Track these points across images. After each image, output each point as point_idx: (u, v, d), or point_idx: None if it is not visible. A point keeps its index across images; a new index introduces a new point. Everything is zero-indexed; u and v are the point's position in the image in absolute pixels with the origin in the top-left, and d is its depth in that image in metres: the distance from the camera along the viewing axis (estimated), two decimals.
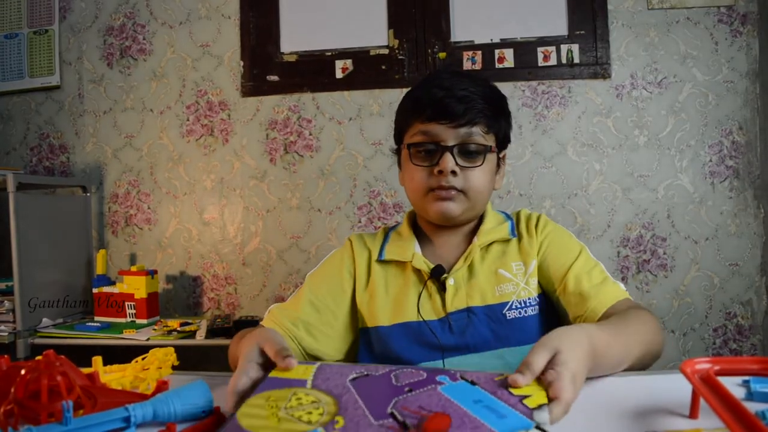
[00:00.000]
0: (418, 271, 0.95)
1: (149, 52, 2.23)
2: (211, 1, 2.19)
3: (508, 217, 1.03)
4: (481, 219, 1.01)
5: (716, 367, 0.56)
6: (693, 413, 0.55)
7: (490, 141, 0.93)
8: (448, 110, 0.89)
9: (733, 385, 0.61)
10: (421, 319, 0.92)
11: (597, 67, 2.02)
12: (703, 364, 0.56)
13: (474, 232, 0.99)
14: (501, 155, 1.00)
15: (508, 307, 0.92)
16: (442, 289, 0.94)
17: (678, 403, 0.58)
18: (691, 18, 1.99)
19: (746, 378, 0.62)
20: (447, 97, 0.90)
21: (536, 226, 0.99)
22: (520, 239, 0.98)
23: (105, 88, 2.25)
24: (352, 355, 0.99)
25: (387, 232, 1.05)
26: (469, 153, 0.91)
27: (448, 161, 0.89)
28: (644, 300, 2.00)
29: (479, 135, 0.91)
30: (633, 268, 2.01)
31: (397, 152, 1.03)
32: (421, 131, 0.92)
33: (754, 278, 1.98)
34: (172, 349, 0.79)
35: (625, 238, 2.01)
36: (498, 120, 0.95)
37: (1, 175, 1.81)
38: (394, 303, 0.95)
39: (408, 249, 0.98)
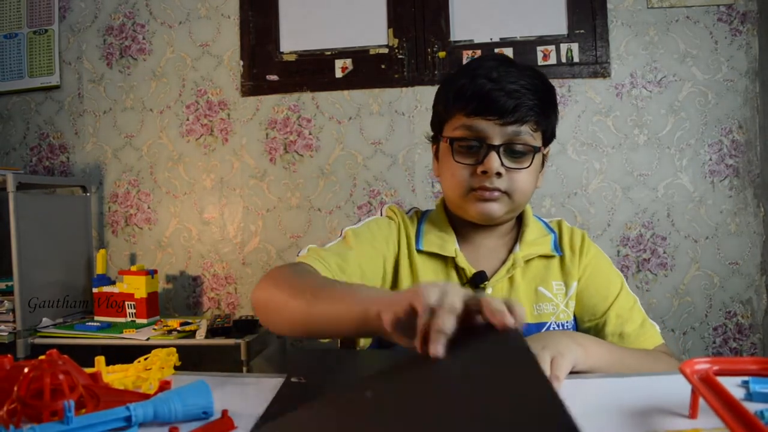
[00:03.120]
0: (456, 270, 0.89)
1: (149, 52, 2.23)
2: (210, 0, 2.19)
3: (550, 228, 0.97)
4: (519, 222, 0.95)
5: (715, 368, 0.56)
6: (692, 413, 0.55)
7: (538, 140, 0.87)
8: (496, 105, 0.82)
9: (732, 386, 0.61)
10: None
11: (597, 66, 2.02)
12: (702, 365, 0.56)
13: (513, 236, 0.94)
14: (545, 152, 0.94)
15: (546, 327, 0.87)
16: None
17: (677, 403, 0.58)
18: (690, 17, 1.99)
19: (745, 378, 0.62)
20: (495, 90, 0.82)
21: (581, 246, 0.93)
22: (563, 257, 0.93)
23: (105, 88, 2.25)
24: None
25: (420, 217, 0.97)
26: (516, 153, 0.84)
27: (494, 161, 0.82)
28: (644, 299, 2.00)
29: (528, 134, 0.84)
30: (633, 267, 2.01)
31: (434, 140, 0.95)
32: (465, 125, 0.84)
33: (754, 277, 1.98)
34: (174, 350, 0.80)
35: (625, 237, 2.01)
36: (548, 117, 0.88)
37: (1, 175, 1.81)
38: None
39: (449, 243, 0.90)
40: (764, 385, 0.60)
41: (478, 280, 0.87)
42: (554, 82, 2.01)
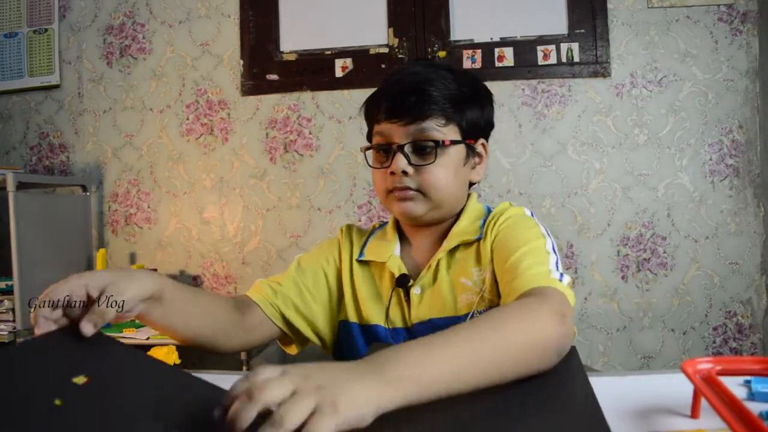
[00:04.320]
0: (392, 274, 0.90)
1: (149, 51, 2.23)
2: (210, 0, 2.19)
3: (489, 214, 0.92)
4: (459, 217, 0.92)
5: (718, 367, 0.56)
6: (694, 413, 0.55)
7: (449, 133, 0.85)
8: (397, 107, 0.85)
9: (734, 386, 0.61)
10: (389, 326, 0.89)
11: (597, 65, 2.02)
12: (704, 364, 0.56)
13: (448, 232, 0.91)
14: (479, 143, 0.91)
15: (467, 318, 0.83)
16: (408, 297, 0.89)
17: (679, 403, 0.58)
18: (691, 16, 1.99)
19: (747, 378, 0.62)
20: (397, 93, 0.86)
21: (495, 221, 0.87)
22: (479, 240, 0.88)
23: (105, 87, 2.25)
24: (333, 345, 0.96)
25: (374, 229, 1.01)
26: (421, 150, 0.85)
27: (398, 161, 0.85)
28: (644, 299, 2.00)
29: (434, 129, 0.84)
30: (633, 267, 2.01)
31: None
32: (378, 132, 0.90)
33: (754, 277, 1.98)
34: (174, 348, 0.80)
35: (625, 237, 2.01)
36: (460, 108, 0.87)
37: (0, 174, 1.80)
38: (369, 303, 0.91)
39: (387, 249, 0.92)
40: (766, 384, 0.60)
41: (402, 283, 0.88)
42: (554, 82, 2.03)
